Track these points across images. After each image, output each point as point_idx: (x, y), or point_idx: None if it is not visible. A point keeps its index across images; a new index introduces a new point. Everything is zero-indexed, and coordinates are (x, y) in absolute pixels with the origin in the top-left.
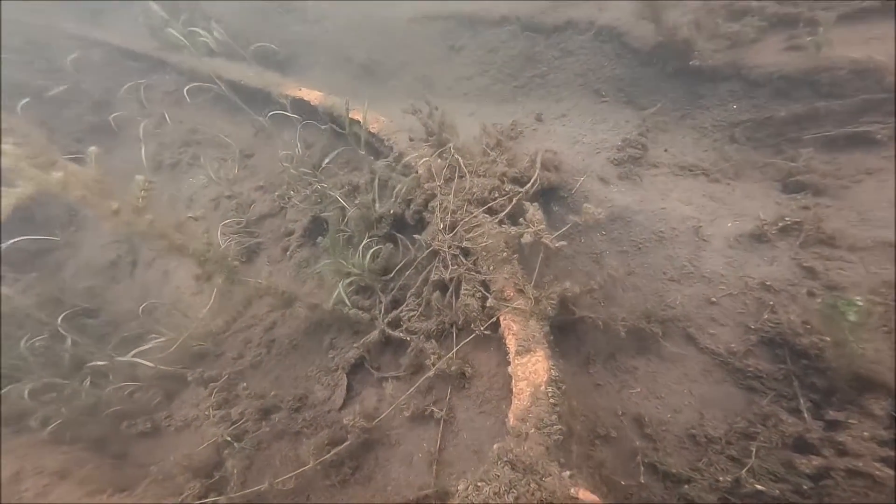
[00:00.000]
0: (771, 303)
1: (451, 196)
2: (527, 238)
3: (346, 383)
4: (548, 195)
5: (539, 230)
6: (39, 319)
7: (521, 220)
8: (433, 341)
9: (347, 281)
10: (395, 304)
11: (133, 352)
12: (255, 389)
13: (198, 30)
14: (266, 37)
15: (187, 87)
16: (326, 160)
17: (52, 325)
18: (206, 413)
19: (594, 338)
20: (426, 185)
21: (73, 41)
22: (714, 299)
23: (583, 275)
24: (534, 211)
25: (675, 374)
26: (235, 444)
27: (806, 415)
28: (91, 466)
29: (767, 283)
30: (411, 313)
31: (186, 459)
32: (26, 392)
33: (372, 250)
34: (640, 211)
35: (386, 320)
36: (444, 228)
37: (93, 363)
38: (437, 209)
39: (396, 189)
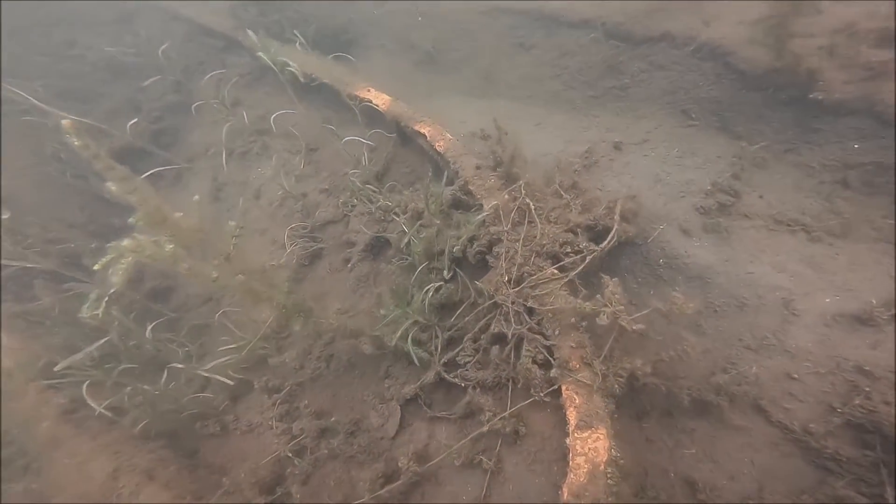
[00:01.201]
0: (866, 388)
1: (520, 246)
2: (603, 319)
3: (399, 415)
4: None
5: (617, 311)
6: (129, 298)
7: (597, 295)
8: (488, 396)
9: (410, 322)
10: (452, 343)
11: (209, 365)
12: (314, 405)
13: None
14: (335, 16)
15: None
16: (388, 183)
17: (136, 304)
18: (270, 423)
19: (652, 392)
20: (492, 229)
21: (159, 13)
22: (795, 375)
23: (647, 327)
24: (613, 287)
25: (737, 442)
26: (296, 461)
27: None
28: (174, 468)
29: (865, 368)
30: (468, 359)
31: (253, 475)
32: (110, 382)
33: (432, 289)
34: (724, 273)
35: (442, 361)
36: (509, 281)
37: (172, 364)
38: (503, 258)
39: (461, 239)
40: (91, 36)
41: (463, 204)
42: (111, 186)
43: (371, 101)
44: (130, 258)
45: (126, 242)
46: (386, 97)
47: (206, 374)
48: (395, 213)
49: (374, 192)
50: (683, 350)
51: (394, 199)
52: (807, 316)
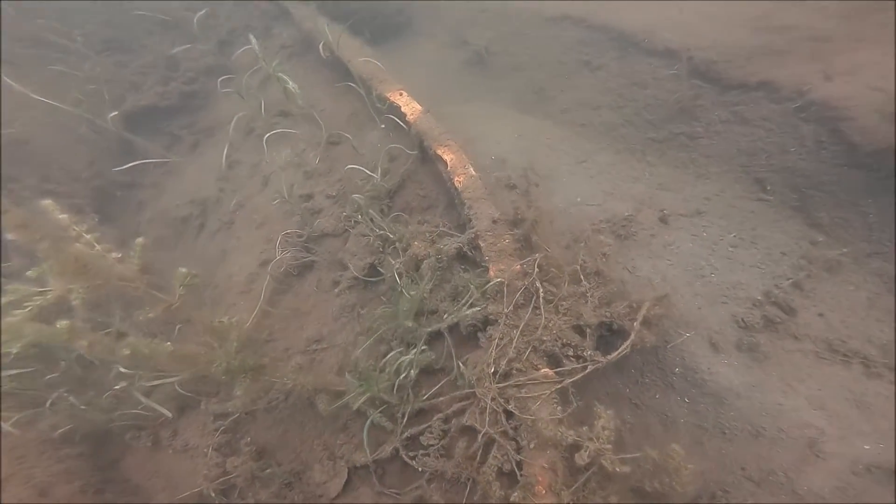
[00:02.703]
0: None
1: (517, 337)
2: (582, 458)
3: (345, 478)
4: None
5: (603, 449)
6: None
7: (585, 427)
8: (443, 491)
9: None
10: (421, 414)
11: (156, 382)
12: (259, 442)
13: None
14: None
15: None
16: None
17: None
18: (206, 451)
19: None
20: (491, 307)
21: None
22: None
23: (642, 430)
24: (605, 421)
25: None
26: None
27: None
28: (78, 484)
29: None
30: (432, 442)
31: None
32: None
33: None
34: (746, 398)
35: (404, 435)
36: (495, 374)
37: (117, 386)
38: (494, 345)
39: (459, 315)
40: None
41: (468, 259)
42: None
43: (400, 108)
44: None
45: (7, 321)
46: (416, 107)
47: (143, 400)
48: (394, 248)
49: (379, 215)
50: (671, 486)
51: (396, 231)
52: (834, 460)
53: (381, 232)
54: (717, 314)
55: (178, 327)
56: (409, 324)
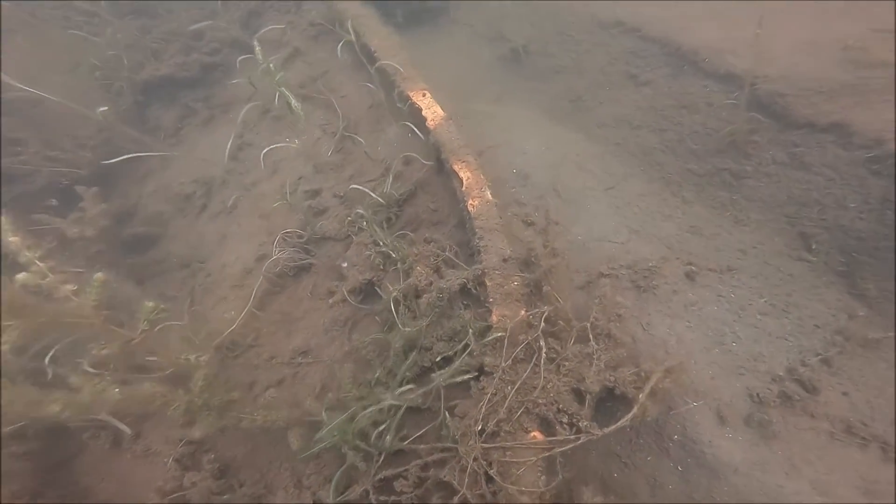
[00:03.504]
0: None
1: (511, 394)
2: None
3: None
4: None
5: None
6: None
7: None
8: None
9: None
10: (399, 455)
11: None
12: (223, 458)
13: None
14: None
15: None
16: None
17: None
18: (167, 461)
19: None
20: (488, 359)
21: None
22: None
23: (628, 489)
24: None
25: None
26: None
27: None
28: (13, 489)
29: None
30: (406, 491)
31: None
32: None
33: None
34: (745, 476)
35: (377, 478)
36: (481, 432)
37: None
38: (486, 400)
39: (449, 378)
40: None
41: (472, 295)
42: None
43: (422, 110)
44: None
45: None
46: (439, 112)
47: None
48: (395, 268)
49: (383, 226)
50: None
51: (399, 250)
52: None
53: (384, 249)
54: (730, 386)
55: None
56: (399, 358)
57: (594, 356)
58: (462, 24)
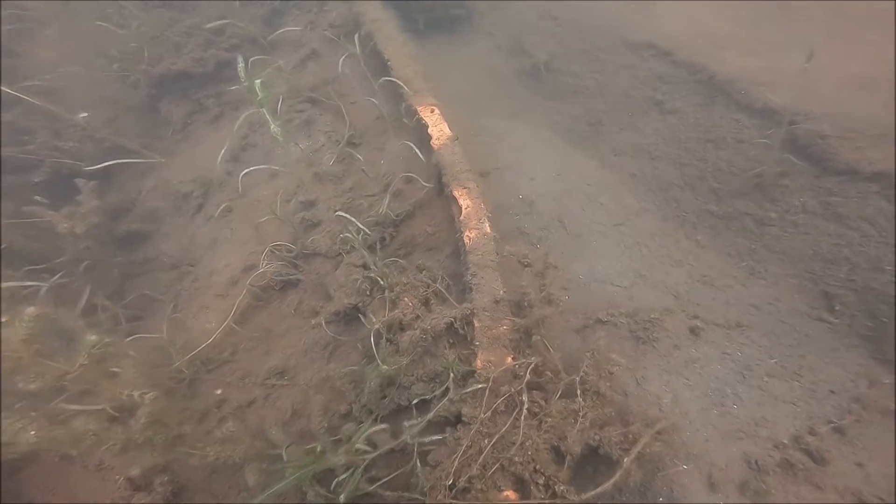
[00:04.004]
0: None
1: (487, 449)
2: None
3: None
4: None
5: None
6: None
7: None
8: None
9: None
10: (367, 498)
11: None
12: (177, 482)
13: None
14: None
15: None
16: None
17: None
18: (118, 478)
19: None
20: (465, 410)
21: None
22: None
23: None
24: None
25: None
26: None
27: None
28: None
29: None
30: None
31: None
32: None
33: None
34: None
35: None
36: (452, 487)
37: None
38: (460, 453)
39: (414, 435)
40: None
41: (458, 334)
42: None
43: (427, 128)
44: None
45: None
46: (445, 131)
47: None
48: (382, 297)
49: (373, 250)
50: None
51: (388, 277)
52: None
53: (371, 274)
54: (726, 450)
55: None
56: (375, 395)
57: (580, 414)
58: (484, 34)
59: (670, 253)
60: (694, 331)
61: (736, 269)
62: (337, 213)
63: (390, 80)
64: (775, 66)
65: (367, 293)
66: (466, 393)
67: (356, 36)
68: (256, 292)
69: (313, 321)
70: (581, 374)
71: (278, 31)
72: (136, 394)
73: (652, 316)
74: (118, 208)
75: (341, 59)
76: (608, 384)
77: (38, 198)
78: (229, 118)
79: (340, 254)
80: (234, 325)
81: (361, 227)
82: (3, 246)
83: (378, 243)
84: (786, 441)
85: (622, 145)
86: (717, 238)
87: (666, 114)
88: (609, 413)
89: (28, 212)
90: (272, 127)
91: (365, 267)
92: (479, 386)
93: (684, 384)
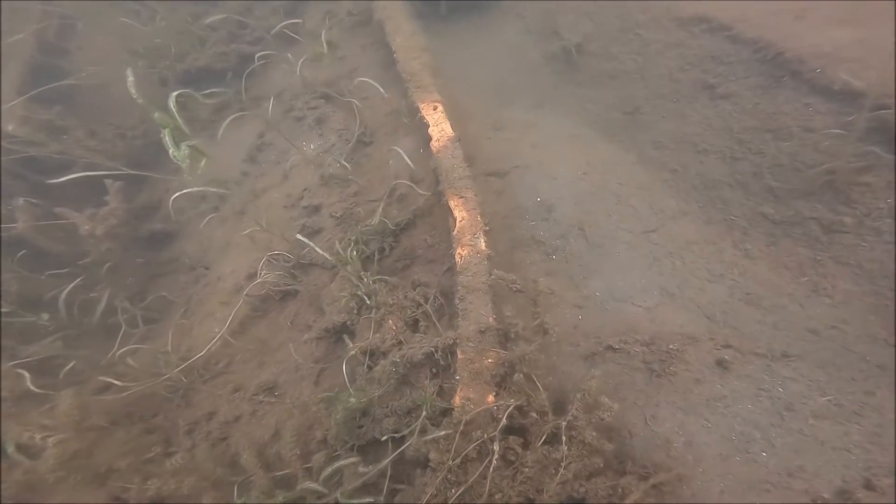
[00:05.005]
0: None
1: (453, 500)
2: None
3: None
4: None
5: None
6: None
7: None
8: None
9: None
10: None
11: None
12: (159, 491)
13: None
14: None
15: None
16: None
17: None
18: None
19: None
20: (433, 456)
21: None
22: None
23: None
24: None
25: None
26: None
27: None
28: None
29: None
30: None
31: None
32: None
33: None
34: None
35: None
36: None
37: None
38: (424, 500)
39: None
40: None
41: (437, 365)
42: None
43: (428, 126)
44: None
45: None
46: (447, 132)
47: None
48: (368, 317)
49: (373, 257)
50: None
51: (376, 294)
52: None
53: (359, 293)
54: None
55: None
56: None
57: (561, 465)
58: (512, 15)
59: (709, 265)
60: (722, 363)
61: (793, 284)
62: (297, 237)
63: (395, 75)
64: (868, 37)
65: (355, 312)
66: (429, 440)
67: (370, 26)
68: (255, 302)
69: (305, 336)
70: (569, 418)
71: (285, 22)
72: (37, 437)
73: (671, 347)
74: (146, 209)
75: (354, 52)
76: (594, 434)
77: (19, 199)
78: (250, 116)
79: (335, 267)
80: (227, 338)
81: (319, 249)
82: (32, 248)
83: (377, 254)
84: (826, 495)
85: (663, 136)
86: (772, 247)
87: (718, 99)
88: (597, 463)
89: (57, 213)
90: (171, 152)
91: (360, 279)
92: (447, 432)
93: (702, 426)
